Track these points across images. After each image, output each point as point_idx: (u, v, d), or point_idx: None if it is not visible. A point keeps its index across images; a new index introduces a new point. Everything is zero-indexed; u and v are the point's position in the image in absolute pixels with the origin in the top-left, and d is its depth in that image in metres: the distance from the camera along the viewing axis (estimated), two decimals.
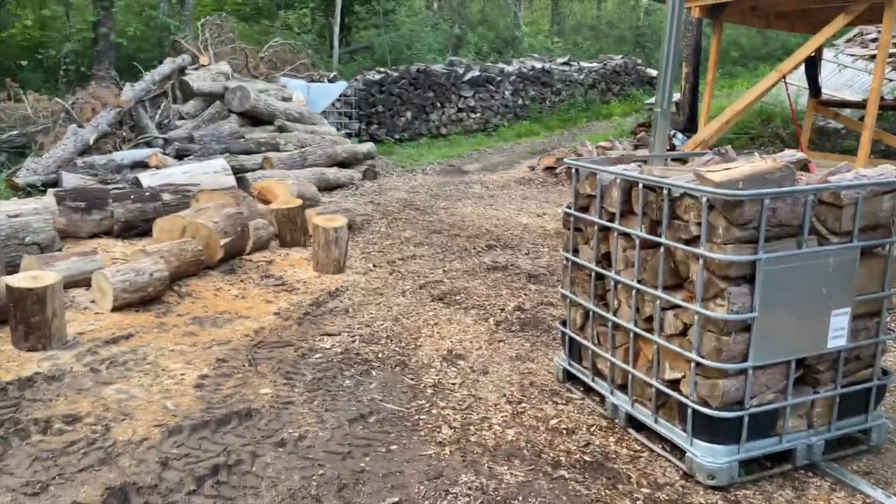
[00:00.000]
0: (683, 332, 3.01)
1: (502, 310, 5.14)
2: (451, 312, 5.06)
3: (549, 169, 11.33)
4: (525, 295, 5.51)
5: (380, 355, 4.25)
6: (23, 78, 13.60)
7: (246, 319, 4.70)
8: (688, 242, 2.93)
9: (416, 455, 3.14)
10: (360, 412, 3.50)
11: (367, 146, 11.43)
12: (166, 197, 6.71)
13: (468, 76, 16.00)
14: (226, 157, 9.01)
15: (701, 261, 2.82)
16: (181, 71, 11.71)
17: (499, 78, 16.55)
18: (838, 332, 2.94)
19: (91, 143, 9.05)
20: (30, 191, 7.90)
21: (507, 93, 16.75)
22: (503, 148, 14.63)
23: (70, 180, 7.73)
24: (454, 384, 3.89)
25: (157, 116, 10.61)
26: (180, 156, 9.17)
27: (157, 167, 8.36)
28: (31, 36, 17.25)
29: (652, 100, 13.65)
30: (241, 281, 5.50)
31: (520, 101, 17.09)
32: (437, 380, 3.94)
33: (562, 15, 27.18)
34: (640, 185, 3.13)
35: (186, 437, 3.18)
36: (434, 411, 3.56)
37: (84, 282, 4.93)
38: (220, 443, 3.16)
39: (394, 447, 3.20)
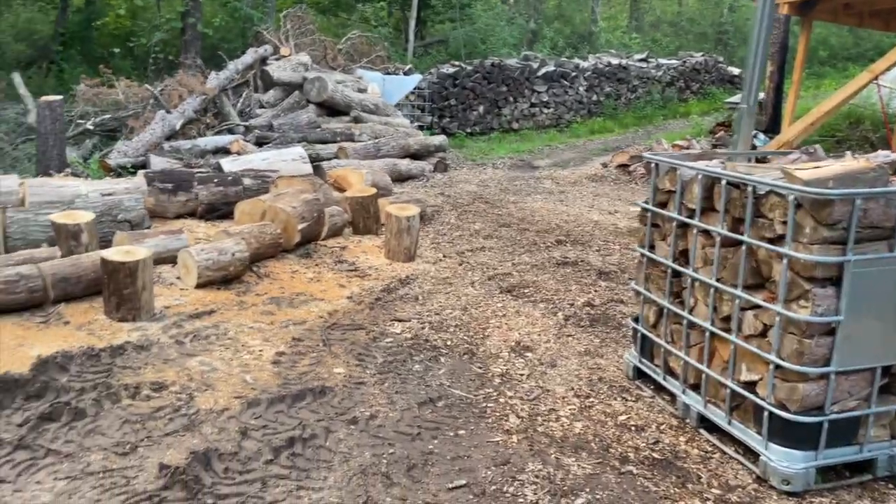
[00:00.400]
0: (763, 334, 2.94)
1: (571, 305, 5.12)
2: (520, 305, 5.07)
3: (623, 166, 11.15)
4: (595, 291, 5.47)
5: (448, 343, 4.31)
6: (114, 65, 14.26)
7: (320, 302, 4.84)
8: (772, 241, 2.86)
9: (483, 441, 3.18)
10: (429, 396, 3.57)
11: (439, 139, 11.52)
12: (247, 182, 6.95)
13: (542, 71, 15.88)
14: (303, 145, 9.25)
15: (785, 260, 2.75)
16: (263, 61, 12.06)
17: (573, 73, 16.37)
18: None
19: (178, 128, 9.45)
20: (120, 172, 8.31)
21: (581, 88, 16.54)
22: (575, 144, 14.48)
23: (157, 163, 8.10)
24: (522, 375, 3.91)
25: (239, 104, 10.97)
26: (260, 143, 9.47)
27: (238, 153, 8.66)
28: (122, 25, 18.08)
29: (733, 98, 13.25)
30: (316, 265, 5.65)
31: (594, 98, 16.86)
32: (505, 370, 3.96)
33: (641, 11, 26.61)
34: (724, 182, 3.08)
35: (264, 410, 3.32)
36: (502, 400, 3.59)
37: (170, 259, 5.17)
38: (295, 417, 3.28)
39: (461, 432, 3.25)
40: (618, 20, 25.38)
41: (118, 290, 4.19)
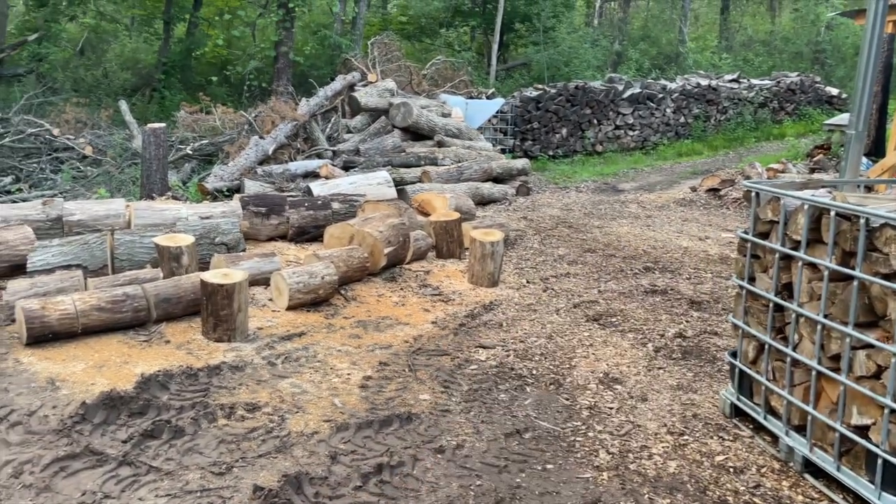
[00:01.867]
0: (877, 375, 2.76)
1: (662, 335, 4.96)
2: (607, 334, 4.95)
3: (713, 191, 10.79)
4: (687, 322, 5.28)
5: (534, 372, 4.25)
6: (211, 92, 15.02)
7: (405, 326, 4.88)
8: (886, 277, 2.69)
9: (572, 477, 3.10)
10: (516, 427, 3.52)
11: (521, 162, 11.50)
12: (336, 206, 7.13)
13: (628, 93, 15.64)
14: (388, 169, 9.43)
15: None
16: (351, 87, 12.41)
17: (660, 95, 16.04)
18: None
19: (270, 153, 9.82)
20: (216, 195, 8.70)
21: (668, 110, 16.18)
22: (662, 167, 14.15)
23: (251, 187, 8.43)
24: (611, 408, 3.81)
25: (328, 129, 11.31)
26: (347, 167, 9.72)
27: (327, 177, 8.90)
28: (219, 54, 19.05)
29: (832, 120, 12.63)
30: (401, 289, 5.71)
31: (682, 119, 16.45)
32: (594, 402, 3.87)
33: (731, 30, 25.86)
34: (833, 213, 2.92)
35: (353, 435, 3.35)
36: (590, 434, 3.50)
37: (263, 281, 5.35)
38: (383, 443, 3.30)
39: (549, 466, 3.18)
40: (706, 40, 24.71)
41: (216, 311, 4.35)
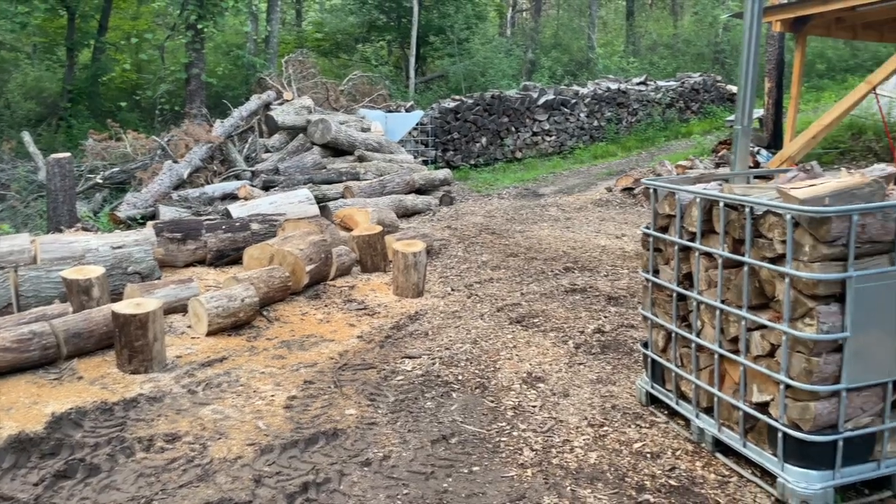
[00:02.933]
0: (771, 354, 2.93)
1: (582, 332, 5.11)
2: (530, 335, 5.07)
3: (627, 190, 11.19)
4: (605, 317, 5.46)
5: (460, 378, 4.31)
6: (121, 118, 14.57)
7: (331, 342, 4.86)
8: (773, 261, 2.87)
9: (498, 476, 3.17)
10: (442, 433, 3.56)
11: (444, 172, 11.63)
12: (255, 226, 7.03)
13: (542, 100, 16.05)
14: (309, 187, 9.36)
15: (787, 280, 2.75)
16: (266, 106, 12.29)
17: (573, 100, 16.52)
18: None
19: (185, 177, 9.60)
20: (130, 223, 8.44)
21: (582, 115, 16.68)
22: (579, 170, 14.56)
23: (166, 213, 8.22)
24: (534, 407, 3.90)
25: (245, 150, 11.14)
26: (267, 187, 9.60)
27: (246, 198, 8.77)
28: (128, 79, 18.50)
29: (733, 117, 13.30)
30: (326, 306, 5.69)
31: (595, 123, 16.99)
32: (518, 402, 3.95)
33: (637, 35, 26.90)
34: (721, 204, 3.10)
35: (277, 456, 3.32)
36: (515, 433, 3.58)
37: (182, 308, 5.22)
38: (308, 461, 3.28)
39: (476, 468, 3.24)
40: (614, 45, 25.64)
41: (130, 342, 4.23)
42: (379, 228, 6.81)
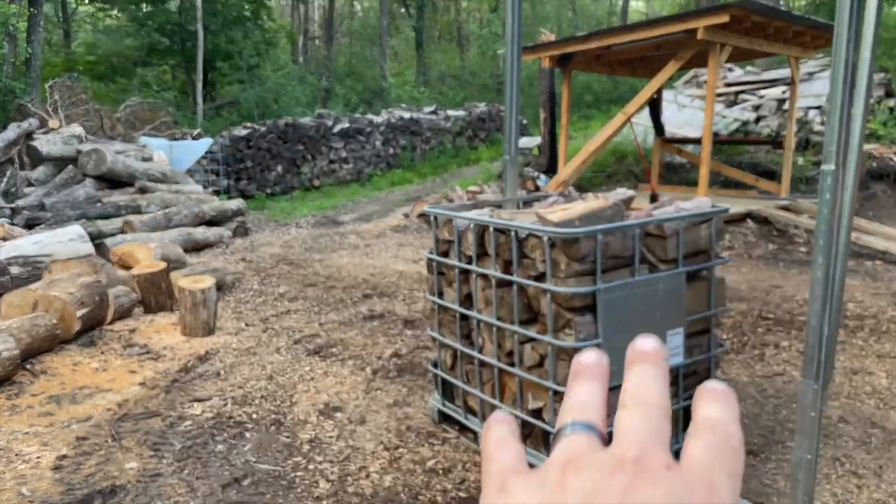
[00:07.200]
0: (541, 363, 3.20)
1: (379, 357, 5.19)
2: (328, 365, 5.05)
3: (424, 215, 11.60)
4: (402, 341, 5.60)
5: (254, 416, 4.17)
6: None
7: (108, 393, 4.48)
8: (537, 279, 3.14)
9: None
10: (234, 476, 3.43)
11: (237, 202, 11.25)
12: (15, 270, 6.29)
13: (337, 128, 16.17)
14: (82, 223, 8.57)
15: (548, 295, 3.03)
16: (29, 136, 11.08)
17: (368, 129, 16.84)
18: (675, 350, 3.24)
19: None
20: None
21: (377, 143, 17.05)
22: (378, 197, 14.84)
23: None
24: (331, 437, 3.89)
25: (4, 184, 9.94)
26: (30, 225, 8.64)
27: (4, 239, 7.80)
28: None
29: None
30: (102, 353, 5.23)
31: (391, 151, 17.44)
32: (314, 435, 3.92)
33: (427, 65, 28.12)
34: (492, 229, 3.34)
35: None
36: (311, 467, 3.54)
37: None
38: None
39: None
40: (406, 75, 26.57)
41: None
42: (163, 265, 6.42)
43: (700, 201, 3.42)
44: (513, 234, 3.20)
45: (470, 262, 3.53)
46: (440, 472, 3.46)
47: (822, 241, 2.69)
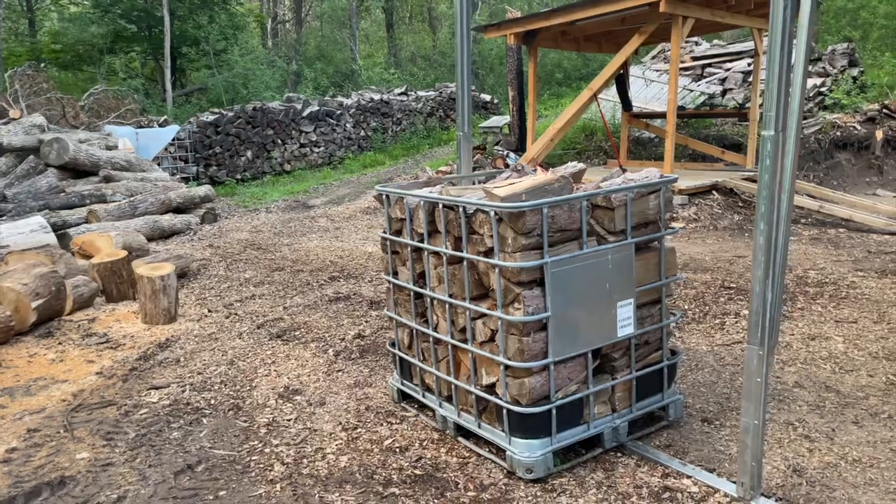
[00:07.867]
0: (492, 339, 3.19)
1: (342, 339, 5.17)
2: (290, 349, 5.02)
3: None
4: (366, 322, 5.57)
5: (212, 402, 4.14)
6: None
7: (63, 384, 4.41)
8: (485, 254, 3.12)
9: (245, 497, 3.09)
10: (188, 462, 3.39)
11: (204, 189, 11.11)
12: None
13: (307, 111, 15.99)
14: (45, 213, 8.43)
15: (497, 270, 3.01)
16: None
17: (339, 111, 16.67)
18: (626, 321, 3.24)
19: None
20: None
21: (348, 125, 16.89)
22: (349, 180, 14.72)
23: None
24: (289, 420, 3.86)
25: None
26: None
27: None
28: None
29: (486, 123, 14.30)
30: (60, 343, 5.14)
31: (362, 133, 17.29)
32: (272, 418, 3.89)
33: (397, 46, 27.86)
34: (441, 205, 3.31)
35: None
36: (267, 450, 3.52)
37: None
38: None
39: (222, 493, 3.13)
40: (375, 57, 26.31)
41: None
42: (124, 253, 6.32)
43: (649, 171, 3.41)
44: (461, 209, 3.17)
45: (422, 240, 3.50)
46: (397, 450, 3.45)
47: (764, 206, 2.70)
